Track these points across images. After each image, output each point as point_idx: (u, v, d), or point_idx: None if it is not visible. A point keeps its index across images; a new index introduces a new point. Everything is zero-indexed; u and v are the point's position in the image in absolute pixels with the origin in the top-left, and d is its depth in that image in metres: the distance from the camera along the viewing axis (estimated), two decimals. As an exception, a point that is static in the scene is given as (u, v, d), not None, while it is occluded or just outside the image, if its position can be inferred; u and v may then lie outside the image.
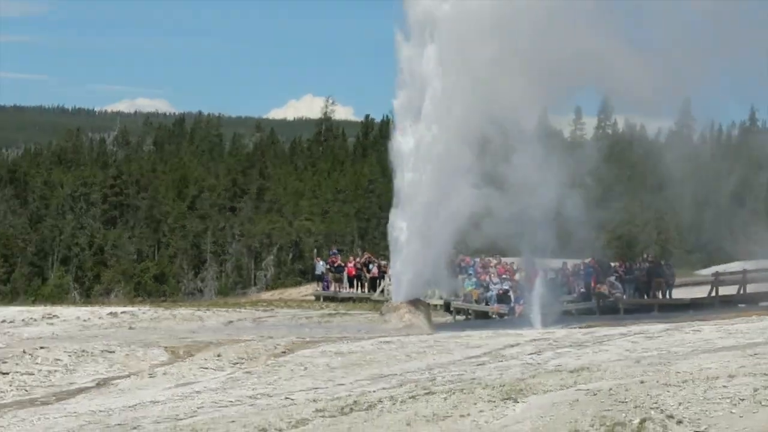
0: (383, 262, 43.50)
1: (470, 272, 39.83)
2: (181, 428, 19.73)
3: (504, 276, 39.30)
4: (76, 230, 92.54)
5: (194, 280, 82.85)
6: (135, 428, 20.16)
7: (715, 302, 37.19)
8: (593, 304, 36.36)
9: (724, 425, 17.16)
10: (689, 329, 26.95)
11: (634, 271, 38.44)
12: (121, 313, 38.56)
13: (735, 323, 28.53)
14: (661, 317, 33.25)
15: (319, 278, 48.12)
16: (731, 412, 17.71)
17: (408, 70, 38.56)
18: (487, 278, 39.32)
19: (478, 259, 40.61)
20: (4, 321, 36.10)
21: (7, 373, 25.52)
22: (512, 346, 25.71)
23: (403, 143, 37.78)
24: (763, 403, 17.92)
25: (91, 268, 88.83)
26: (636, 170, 41.31)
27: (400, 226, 36.91)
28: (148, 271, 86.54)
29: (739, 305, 37.18)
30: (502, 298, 37.83)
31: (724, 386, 18.84)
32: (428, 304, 36.83)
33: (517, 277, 38.86)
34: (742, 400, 18.11)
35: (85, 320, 36.49)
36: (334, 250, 52.18)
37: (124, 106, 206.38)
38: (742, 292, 38.49)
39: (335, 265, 47.46)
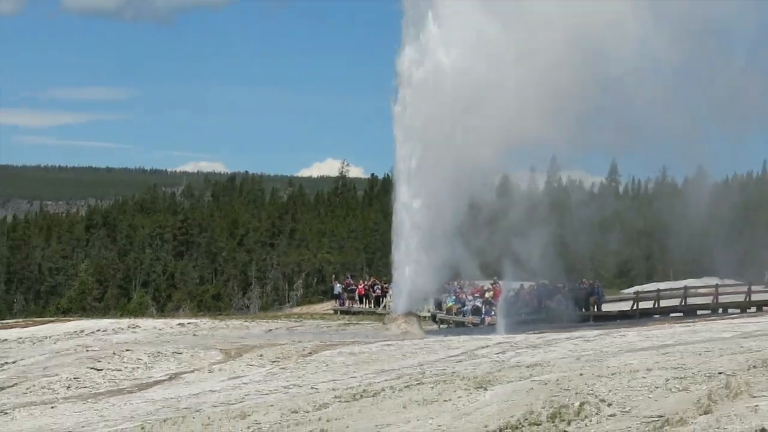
0: (385, 285, 43.35)
1: (451, 292, 39.68)
2: (232, 411, 19.70)
3: (476, 295, 39.13)
4: (153, 261, 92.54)
5: (242, 298, 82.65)
6: (197, 411, 20.14)
7: (636, 314, 37.11)
8: (544, 316, 36.23)
9: (644, 407, 17.12)
10: (617, 334, 26.91)
11: (575, 291, 38.34)
12: (187, 323, 38.52)
13: (651, 330, 28.49)
14: (595, 326, 33.18)
15: (337, 297, 47.95)
16: (649, 397, 17.69)
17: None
18: (464, 296, 39.15)
19: (456, 282, 40.43)
20: (98, 330, 36.07)
21: (101, 369, 25.53)
22: (483, 347, 25.66)
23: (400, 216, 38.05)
24: (672, 390, 17.89)
25: (165, 289, 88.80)
26: (577, 215, 41.30)
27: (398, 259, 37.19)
28: (207, 292, 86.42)
29: (654, 316, 37.14)
30: (475, 311, 37.71)
31: (643, 377, 18.82)
32: (419, 315, 36.75)
33: (486, 295, 38.74)
34: (657, 387, 18.08)
35: (160, 329, 36.44)
36: (348, 276, 51.99)
37: (189, 167, 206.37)
38: (656, 306, 38.44)
39: (349, 286, 47.34)
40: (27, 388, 24.07)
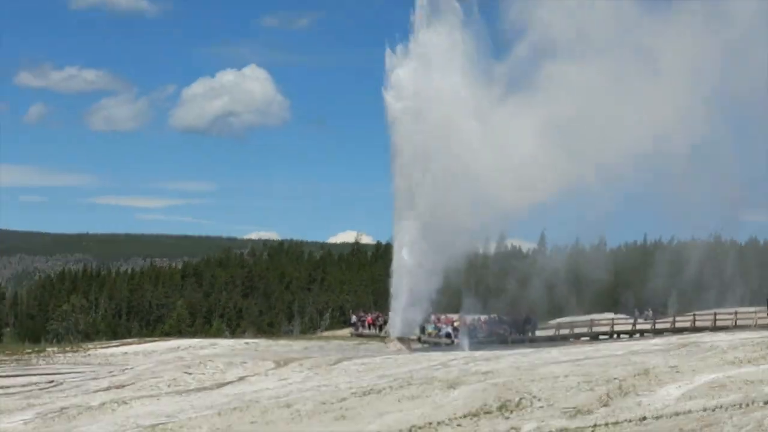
0: (386, 317, 43.11)
1: (431, 322, 39.42)
2: (280, 402, 19.61)
3: (448, 324, 38.88)
4: (227, 300, 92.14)
5: (288, 325, 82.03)
6: (257, 401, 20.03)
7: (557, 337, 36.89)
8: (495, 339, 36.02)
9: (563, 401, 17.02)
10: (545, 352, 26.70)
11: (517, 322, 38.17)
12: (251, 342, 38.41)
13: (568, 348, 28.33)
14: (530, 346, 32.94)
15: (353, 325, 47.58)
16: (566, 394, 17.59)
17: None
18: (440, 325, 38.93)
19: (433, 315, 40.17)
20: (189, 346, 35.96)
21: (191, 373, 25.41)
22: (452, 360, 25.49)
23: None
24: (582, 390, 17.79)
25: (235, 319, 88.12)
26: (517, 272, 41.29)
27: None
28: (264, 321, 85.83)
29: (570, 339, 36.89)
30: (447, 335, 37.45)
31: (563, 381, 18.74)
32: (409, 338, 36.59)
33: (455, 324, 38.51)
34: (572, 388, 18.00)
35: (232, 346, 36.31)
36: (361, 310, 51.66)
37: (253, 236, 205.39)
38: (571, 332, 38.22)
39: (361, 318, 47.03)
40: (140, 386, 23.99)
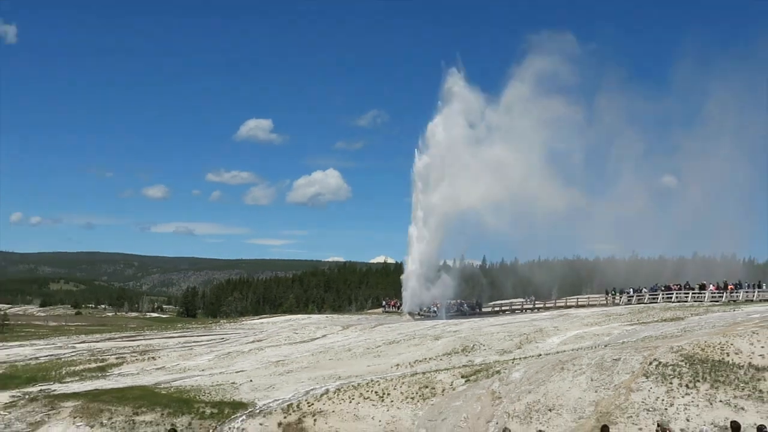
0: (401, 302, 42.41)
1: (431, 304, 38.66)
2: (344, 347, 19.53)
3: (434, 304, 38.19)
4: (316, 294, 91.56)
5: (349, 307, 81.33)
6: (332, 348, 19.97)
7: (493, 312, 35.91)
8: (459, 312, 35.43)
9: (497, 346, 16.82)
10: (486, 320, 26.44)
11: (472, 303, 37.32)
12: (329, 316, 38.06)
13: (499, 318, 27.94)
14: (479, 317, 32.21)
15: (383, 306, 46.97)
16: (498, 342, 17.40)
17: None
18: (431, 305, 38.21)
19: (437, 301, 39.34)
20: (296, 319, 35.75)
21: (298, 333, 25.36)
22: (436, 325, 25.21)
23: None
24: (506, 340, 17.59)
25: (320, 304, 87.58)
26: (471, 276, 40.73)
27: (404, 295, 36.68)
28: (336, 305, 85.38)
29: (500, 313, 35.94)
30: (434, 311, 36.79)
31: (496, 335, 18.54)
32: (413, 313, 36.11)
33: (438, 305, 37.86)
34: (501, 339, 17.79)
35: (318, 318, 36.10)
36: (388, 298, 50.89)
37: (329, 259, 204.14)
38: (501, 308, 37.33)
39: (388, 302, 46.39)
40: (270, 340, 23.99)
